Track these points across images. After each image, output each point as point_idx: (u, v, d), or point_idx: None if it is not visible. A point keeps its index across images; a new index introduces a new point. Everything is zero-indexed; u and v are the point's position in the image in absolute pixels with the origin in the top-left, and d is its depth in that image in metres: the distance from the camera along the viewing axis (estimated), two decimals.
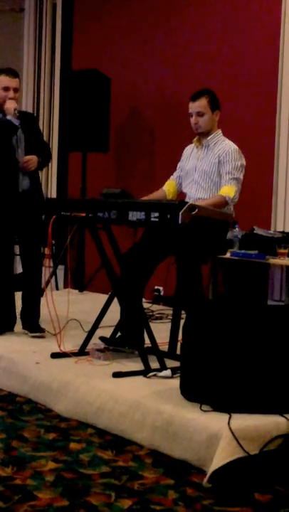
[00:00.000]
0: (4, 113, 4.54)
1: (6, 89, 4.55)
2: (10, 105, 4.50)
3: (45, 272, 5.11)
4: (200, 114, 4.20)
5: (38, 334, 4.56)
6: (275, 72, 5.73)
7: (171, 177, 4.50)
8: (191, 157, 4.35)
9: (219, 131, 4.28)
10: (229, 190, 4.07)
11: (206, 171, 4.21)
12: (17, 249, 4.85)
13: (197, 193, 4.23)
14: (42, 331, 4.58)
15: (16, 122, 4.49)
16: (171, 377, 3.62)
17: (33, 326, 4.63)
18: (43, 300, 4.63)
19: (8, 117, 4.49)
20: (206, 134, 4.25)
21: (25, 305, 4.71)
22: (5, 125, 4.52)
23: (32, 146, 4.67)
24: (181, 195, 4.44)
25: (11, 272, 4.79)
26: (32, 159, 4.62)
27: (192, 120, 4.24)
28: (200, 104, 4.20)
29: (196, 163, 4.29)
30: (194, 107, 4.21)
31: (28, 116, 4.81)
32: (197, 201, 4.09)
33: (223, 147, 4.18)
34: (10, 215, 4.59)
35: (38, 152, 4.68)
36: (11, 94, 4.55)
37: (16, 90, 4.58)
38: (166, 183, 4.50)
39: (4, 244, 4.66)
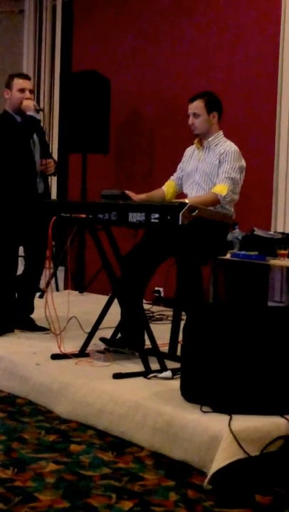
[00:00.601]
0: (23, 114, 4.61)
1: (22, 90, 4.64)
2: (28, 103, 4.60)
3: (46, 274, 5.11)
4: (196, 116, 4.23)
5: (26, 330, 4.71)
6: (275, 73, 5.73)
7: (171, 177, 4.50)
8: (192, 158, 4.36)
9: (220, 133, 4.28)
10: (222, 189, 4.07)
11: (206, 172, 4.21)
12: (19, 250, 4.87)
13: (198, 194, 4.22)
14: (33, 323, 4.70)
15: (38, 117, 4.57)
16: (172, 378, 3.62)
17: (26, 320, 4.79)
18: (43, 301, 4.64)
19: (30, 113, 4.56)
20: (207, 135, 4.26)
21: (22, 305, 4.80)
22: (29, 120, 4.58)
23: (45, 151, 4.76)
24: (181, 196, 4.45)
25: (15, 273, 4.80)
26: (51, 162, 4.69)
27: (189, 121, 4.27)
28: (196, 106, 4.22)
29: (197, 164, 4.29)
30: (191, 108, 4.25)
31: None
32: (188, 198, 4.11)
33: (224, 148, 4.18)
34: (25, 217, 4.61)
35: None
36: (27, 94, 4.64)
37: (31, 92, 4.69)
38: (166, 183, 4.50)
39: (12, 246, 4.67)
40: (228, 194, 4.06)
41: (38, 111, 4.61)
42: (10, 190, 4.62)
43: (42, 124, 4.77)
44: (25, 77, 4.76)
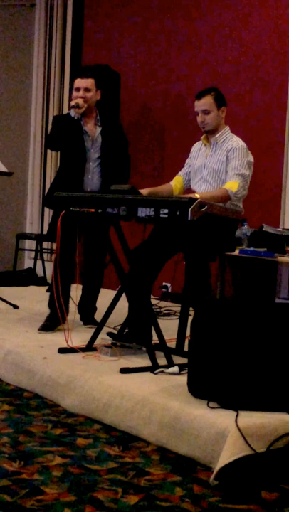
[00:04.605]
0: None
1: (77, 89, 4.79)
2: (72, 102, 4.75)
3: (54, 268, 5.11)
4: (206, 112, 4.19)
5: (91, 326, 4.75)
6: (284, 69, 5.71)
7: (179, 173, 4.50)
8: (200, 155, 4.35)
9: (227, 128, 4.27)
10: (232, 185, 4.06)
11: (214, 169, 4.20)
12: (27, 244, 4.85)
13: (206, 191, 4.22)
14: (96, 323, 4.63)
15: (73, 114, 4.68)
16: (179, 373, 3.62)
17: (88, 319, 4.93)
18: (50, 295, 4.66)
19: (71, 113, 4.70)
20: (214, 131, 4.24)
21: (84, 298, 4.97)
22: (61, 118, 4.88)
23: (110, 154, 4.83)
24: (189, 191, 4.44)
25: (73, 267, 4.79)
26: None
27: (198, 118, 4.23)
28: (205, 102, 4.19)
29: (204, 160, 4.28)
30: (200, 105, 4.20)
31: (114, 125, 5.01)
32: (198, 193, 4.10)
33: (231, 144, 4.17)
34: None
35: (116, 163, 4.89)
36: (80, 93, 4.77)
37: (86, 90, 4.79)
38: (174, 178, 4.51)
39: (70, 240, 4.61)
40: (239, 190, 4.06)
41: (73, 108, 4.70)
42: (59, 183, 4.80)
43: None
44: (85, 75, 4.89)
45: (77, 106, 4.67)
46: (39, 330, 4.66)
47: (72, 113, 4.69)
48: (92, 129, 4.82)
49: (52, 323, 4.67)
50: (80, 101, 4.70)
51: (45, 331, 4.65)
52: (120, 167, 4.90)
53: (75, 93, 4.80)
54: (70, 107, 4.74)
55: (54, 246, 5.23)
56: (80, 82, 4.81)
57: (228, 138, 4.22)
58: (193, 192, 4.31)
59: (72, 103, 4.71)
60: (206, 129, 4.23)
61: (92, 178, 4.78)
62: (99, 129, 4.82)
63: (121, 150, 4.94)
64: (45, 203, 5.05)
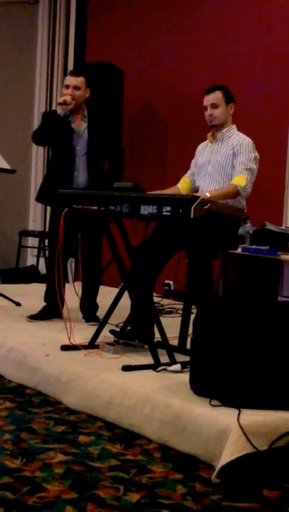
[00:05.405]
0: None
1: (67, 87, 4.85)
2: (60, 99, 4.84)
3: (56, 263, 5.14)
4: (214, 106, 4.22)
5: (94, 323, 4.72)
6: (288, 69, 5.70)
7: (186, 174, 4.51)
8: (205, 151, 4.36)
9: (234, 126, 4.29)
10: (240, 180, 4.07)
11: (220, 163, 4.21)
12: (29, 241, 4.88)
13: (210, 186, 4.23)
14: (98, 321, 4.62)
15: (59, 111, 4.75)
16: (181, 371, 3.62)
17: (90, 316, 4.92)
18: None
19: (58, 110, 4.78)
20: (221, 127, 4.26)
21: (85, 296, 4.99)
22: (49, 114, 5.03)
23: (96, 150, 4.88)
24: (195, 192, 4.44)
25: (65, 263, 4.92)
26: None
27: (207, 112, 4.25)
28: (215, 96, 4.23)
29: (209, 156, 4.29)
30: (209, 99, 4.24)
31: (102, 121, 5.03)
32: (209, 190, 4.10)
33: (238, 139, 4.20)
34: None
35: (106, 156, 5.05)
36: (69, 91, 4.82)
37: (75, 88, 4.83)
38: (181, 180, 4.51)
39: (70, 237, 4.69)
40: (248, 185, 4.08)
41: (60, 105, 4.75)
42: (50, 180, 4.91)
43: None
44: (75, 73, 4.97)
45: (64, 103, 4.73)
46: (27, 317, 4.82)
47: (59, 110, 4.75)
48: (79, 125, 4.86)
49: (44, 313, 4.83)
50: (68, 98, 4.75)
51: (32, 319, 4.80)
52: (112, 161, 4.96)
53: (64, 90, 4.85)
54: (57, 104, 4.80)
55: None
56: (70, 80, 4.85)
57: (234, 134, 4.25)
58: (198, 189, 4.32)
59: (60, 100, 4.77)
60: (214, 123, 4.24)
61: (80, 174, 4.84)
62: (85, 125, 4.86)
63: (110, 144, 5.00)
64: (37, 198, 5.16)
